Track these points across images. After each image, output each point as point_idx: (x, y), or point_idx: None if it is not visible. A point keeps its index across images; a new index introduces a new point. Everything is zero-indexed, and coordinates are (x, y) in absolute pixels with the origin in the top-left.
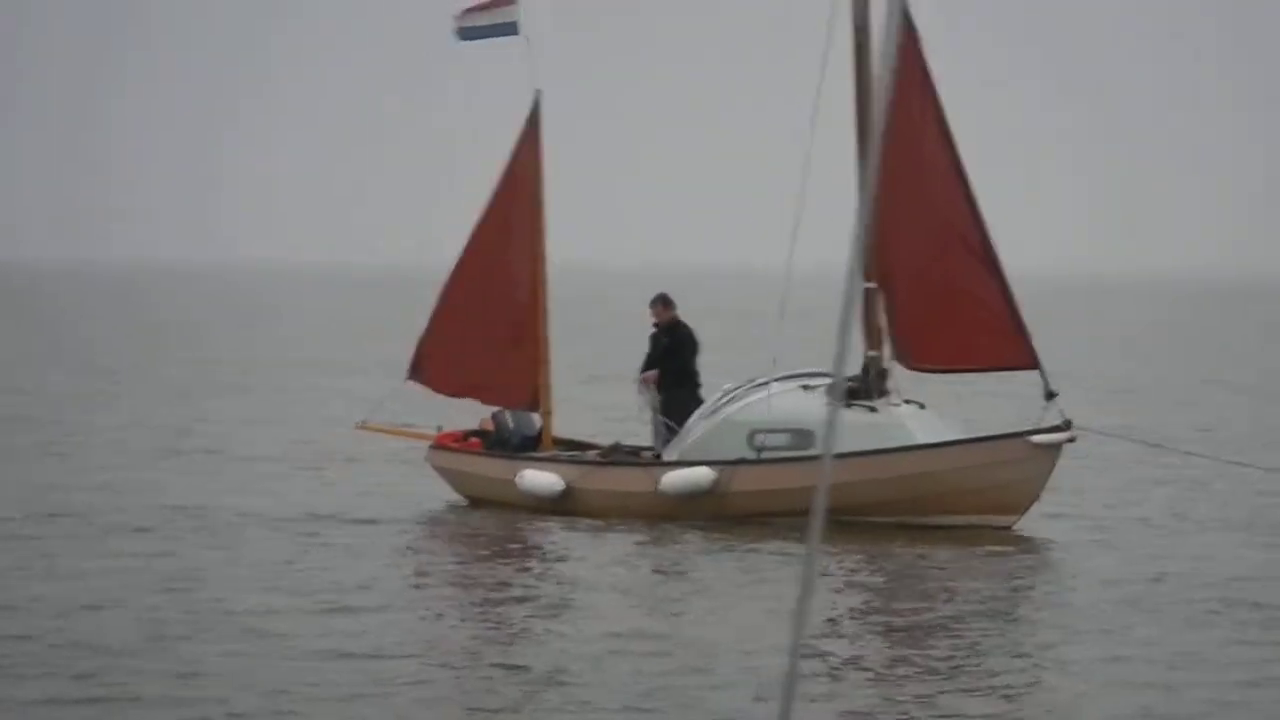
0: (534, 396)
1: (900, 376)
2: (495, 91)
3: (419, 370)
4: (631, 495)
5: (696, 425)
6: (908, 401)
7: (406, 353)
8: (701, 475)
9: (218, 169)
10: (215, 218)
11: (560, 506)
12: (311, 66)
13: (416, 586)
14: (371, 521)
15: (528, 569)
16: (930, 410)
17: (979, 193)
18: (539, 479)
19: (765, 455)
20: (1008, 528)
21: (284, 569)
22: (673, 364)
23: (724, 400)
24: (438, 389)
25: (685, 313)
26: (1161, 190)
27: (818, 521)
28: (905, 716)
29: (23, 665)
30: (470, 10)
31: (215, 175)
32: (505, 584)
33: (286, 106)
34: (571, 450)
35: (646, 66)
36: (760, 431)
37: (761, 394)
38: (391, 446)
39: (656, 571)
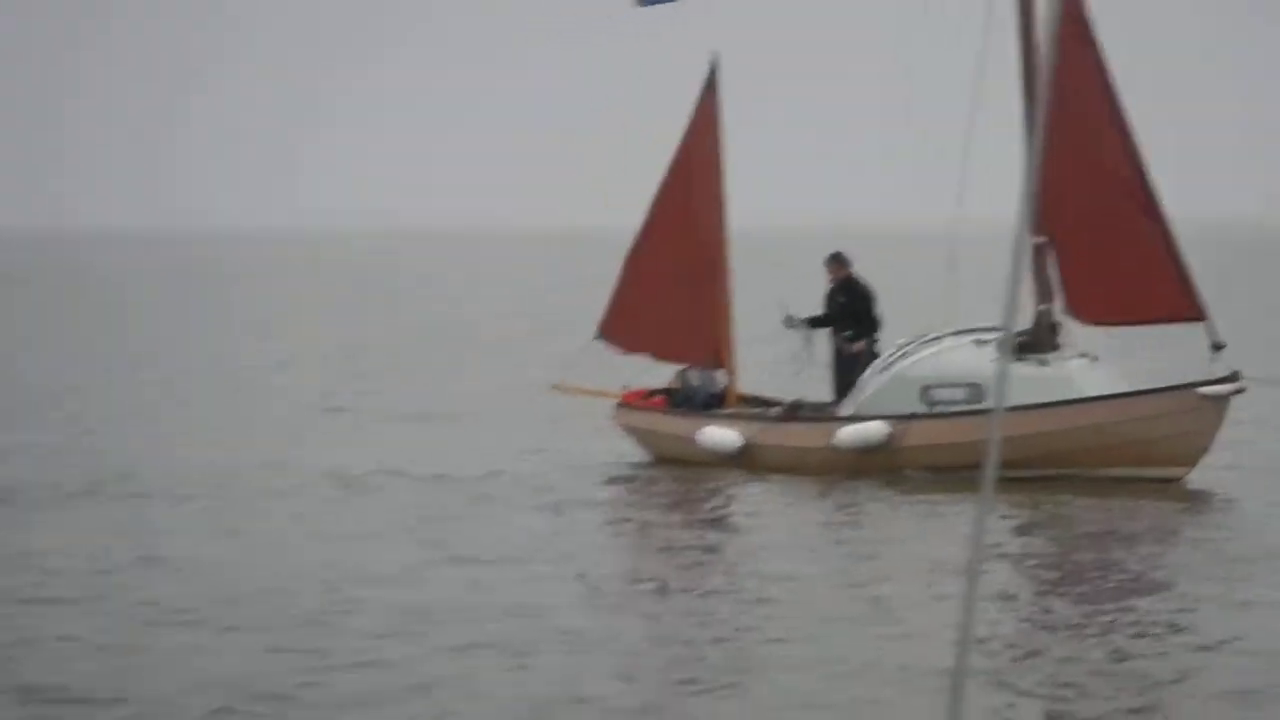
0: (717, 354)
1: (1075, 330)
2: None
3: (607, 330)
4: (808, 451)
5: (870, 380)
6: (1083, 355)
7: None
8: (875, 430)
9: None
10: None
11: (740, 463)
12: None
13: (599, 546)
14: (550, 481)
15: (711, 526)
16: (1103, 363)
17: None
18: (718, 436)
19: (937, 409)
20: (1178, 480)
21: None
22: (850, 320)
23: (897, 355)
24: (623, 348)
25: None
26: None
27: (990, 475)
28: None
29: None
30: None
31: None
32: (691, 545)
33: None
34: (757, 407)
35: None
36: (932, 386)
37: (933, 349)
38: (592, 406)
39: (834, 526)
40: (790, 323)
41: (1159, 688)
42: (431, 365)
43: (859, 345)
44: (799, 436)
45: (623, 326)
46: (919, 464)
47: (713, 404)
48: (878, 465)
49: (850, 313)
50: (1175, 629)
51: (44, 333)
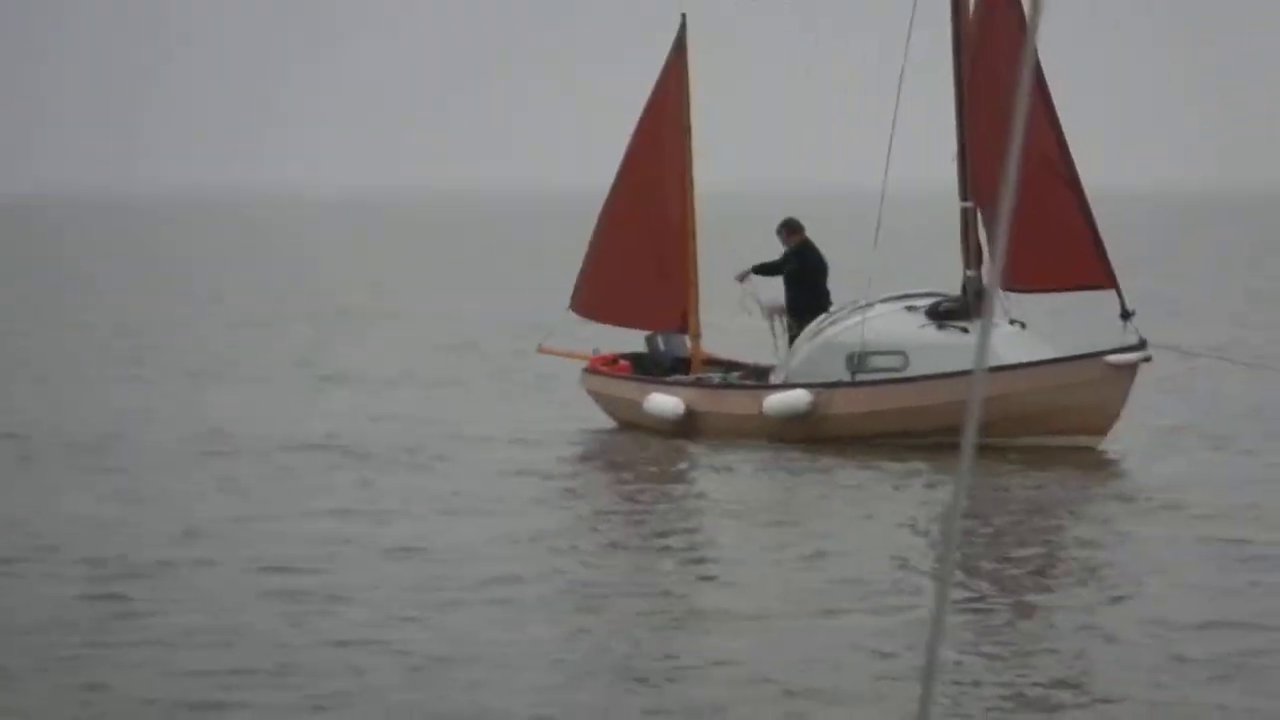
0: (683, 319)
1: (1007, 298)
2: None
3: (577, 300)
4: (742, 418)
5: (801, 347)
6: (1012, 322)
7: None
8: (799, 398)
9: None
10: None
11: (683, 429)
12: None
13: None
14: (519, 441)
15: (646, 492)
16: (1030, 331)
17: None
18: (662, 402)
19: (862, 377)
20: (1092, 449)
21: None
22: (801, 287)
23: (827, 322)
24: (593, 316)
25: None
26: None
27: (969, 442)
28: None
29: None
30: None
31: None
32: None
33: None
34: (723, 370)
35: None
36: (858, 353)
37: (862, 315)
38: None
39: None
40: (741, 276)
41: (1099, 665)
42: (417, 327)
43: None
44: (734, 403)
45: (591, 295)
46: (843, 432)
47: (679, 368)
48: (804, 433)
49: (801, 279)
50: (1114, 599)
51: None
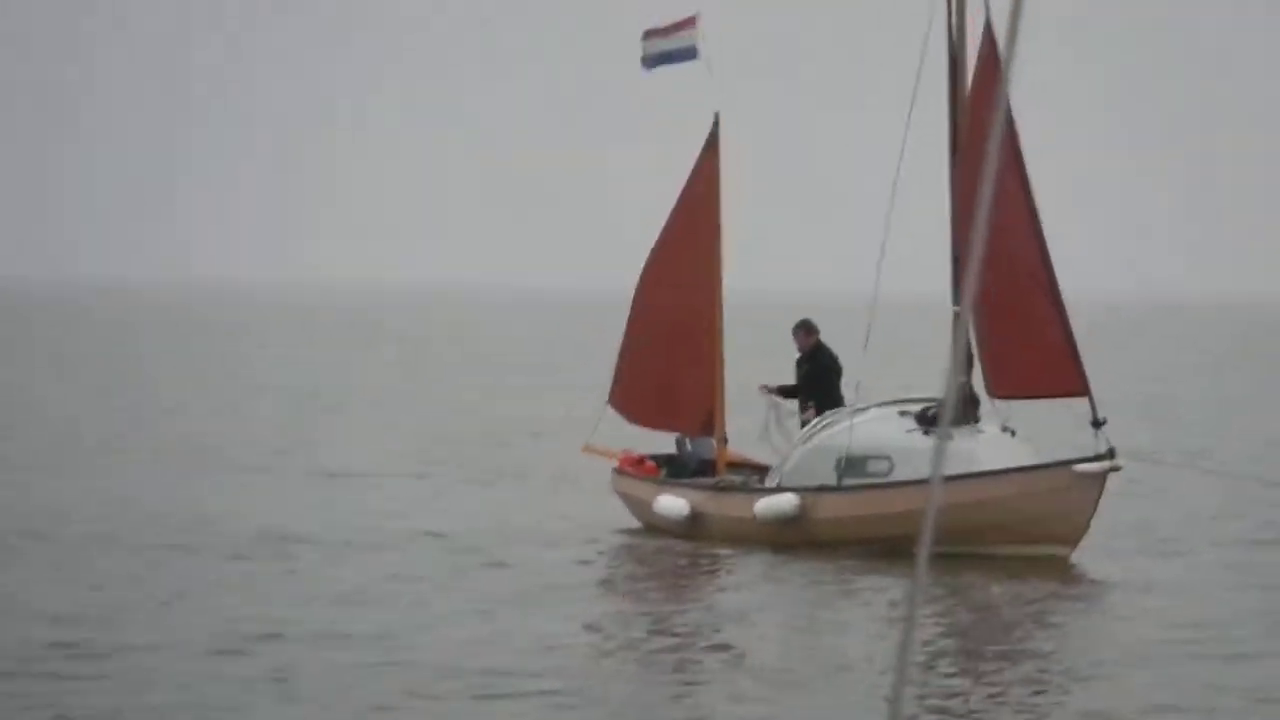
0: (709, 421)
1: (993, 404)
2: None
3: (614, 397)
4: (738, 521)
5: (794, 451)
6: (1004, 429)
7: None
8: (787, 502)
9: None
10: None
11: (689, 531)
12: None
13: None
14: (549, 544)
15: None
16: (1019, 440)
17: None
18: (669, 504)
19: (846, 482)
20: (1065, 558)
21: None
22: (815, 390)
23: (821, 426)
24: (626, 415)
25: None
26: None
27: (924, 550)
28: None
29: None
30: (651, 35)
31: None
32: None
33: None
34: (748, 473)
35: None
36: (847, 458)
37: (854, 420)
38: None
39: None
40: (768, 390)
41: None
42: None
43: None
44: (732, 506)
45: (625, 393)
46: (829, 537)
47: (705, 470)
48: (793, 537)
49: (814, 381)
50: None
51: None
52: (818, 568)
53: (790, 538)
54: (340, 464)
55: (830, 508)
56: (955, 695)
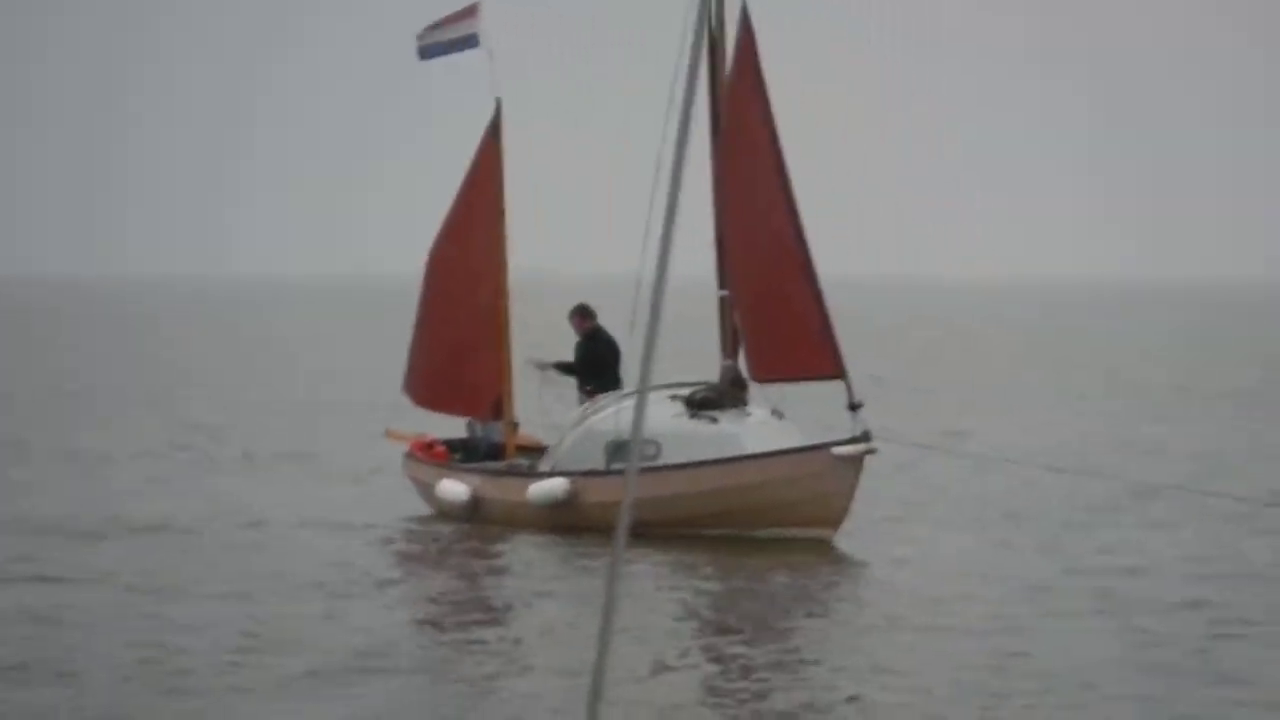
0: (497, 406)
1: (762, 388)
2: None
3: (407, 383)
4: (514, 505)
5: (567, 435)
6: (774, 412)
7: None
8: (557, 486)
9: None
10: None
11: (471, 515)
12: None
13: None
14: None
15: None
16: (786, 423)
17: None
18: (451, 488)
19: (614, 466)
20: (826, 540)
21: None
22: (592, 373)
23: (591, 410)
24: (417, 400)
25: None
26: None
27: (621, 536)
28: None
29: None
30: (431, 28)
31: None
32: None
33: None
34: (539, 457)
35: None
36: (615, 441)
37: (622, 404)
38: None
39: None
40: (540, 365)
41: None
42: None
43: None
44: (508, 490)
45: (416, 378)
46: (598, 521)
47: (495, 454)
48: (564, 521)
49: (591, 365)
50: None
51: None
52: (581, 551)
53: (562, 521)
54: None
55: (598, 492)
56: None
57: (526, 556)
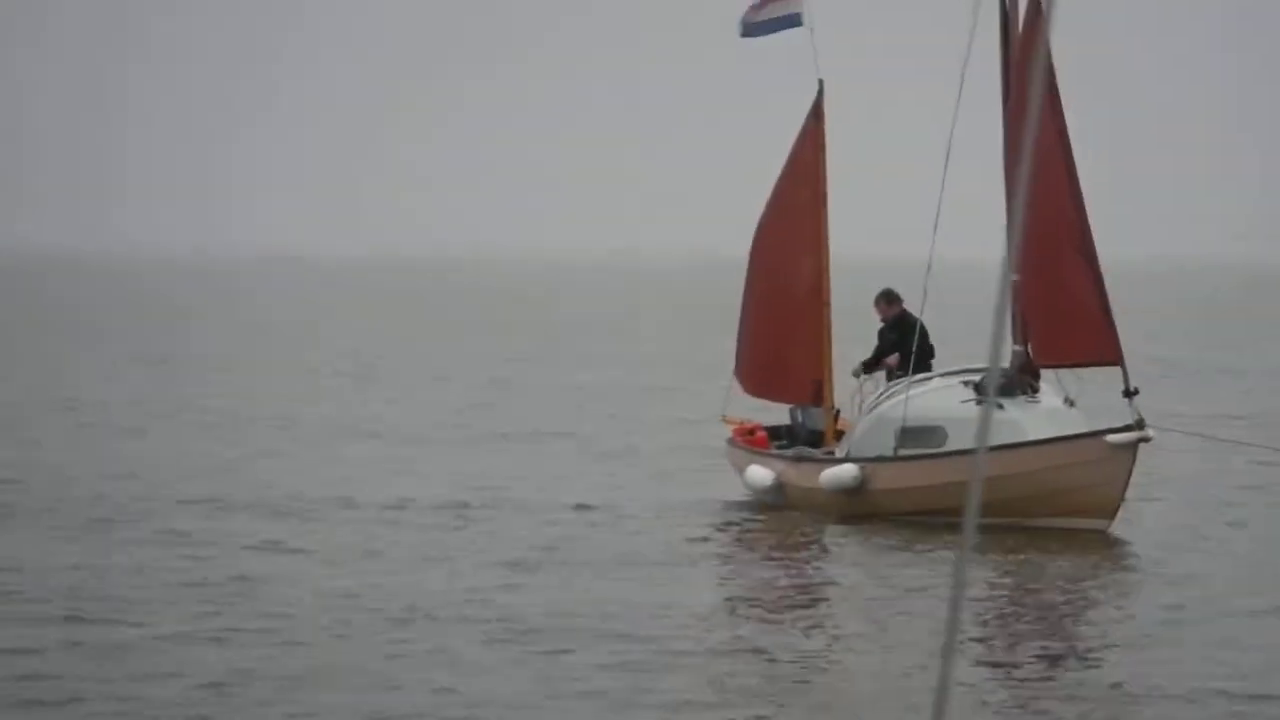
0: (817, 392)
1: (1057, 374)
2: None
3: (737, 369)
4: (809, 491)
5: (859, 422)
6: (1066, 400)
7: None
8: (847, 472)
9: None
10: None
11: (776, 500)
12: None
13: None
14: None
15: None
16: (1074, 410)
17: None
18: (757, 474)
19: (901, 453)
20: (1103, 531)
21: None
22: (903, 357)
23: (884, 396)
24: (744, 388)
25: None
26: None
27: (971, 521)
28: None
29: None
30: (755, 5)
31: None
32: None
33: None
34: None
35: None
36: (905, 428)
37: (915, 390)
38: None
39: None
40: (856, 373)
41: None
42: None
43: (893, 358)
44: (804, 476)
45: (742, 367)
46: (887, 508)
47: (815, 441)
48: (857, 507)
49: (904, 349)
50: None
51: None
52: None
53: (853, 507)
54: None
55: (886, 478)
56: (1000, 668)
57: (829, 542)
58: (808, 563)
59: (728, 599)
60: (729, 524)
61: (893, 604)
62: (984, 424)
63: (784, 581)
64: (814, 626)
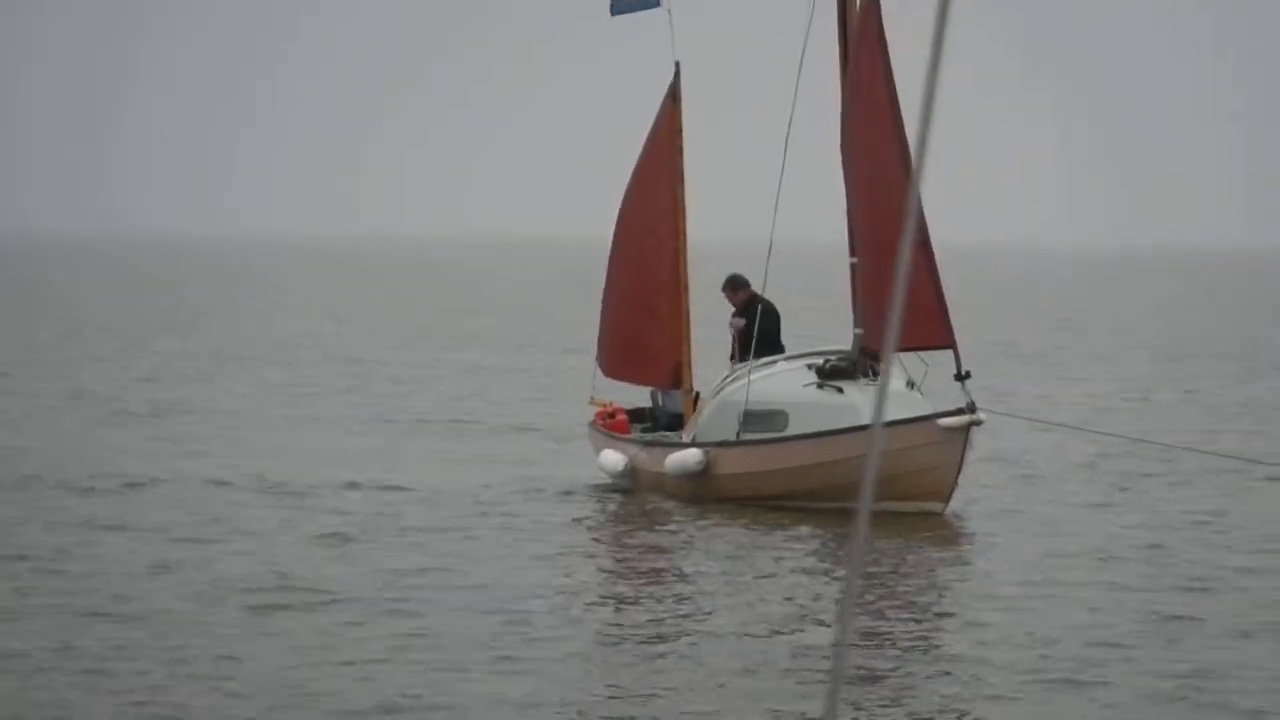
0: (676, 375)
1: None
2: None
3: (598, 352)
4: (657, 475)
5: (704, 405)
6: (908, 383)
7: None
8: (691, 457)
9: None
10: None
11: (629, 484)
12: None
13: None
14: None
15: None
16: (915, 394)
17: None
18: (610, 458)
19: (745, 437)
20: (939, 514)
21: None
22: (752, 342)
23: (729, 379)
24: (603, 370)
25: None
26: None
27: (866, 499)
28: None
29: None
30: None
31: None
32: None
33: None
34: None
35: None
36: (747, 412)
37: (759, 373)
38: None
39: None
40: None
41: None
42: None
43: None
44: (653, 460)
45: (602, 348)
46: (729, 493)
47: (674, 424)
48: (702, 492)
49: (754, 334)
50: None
51: None
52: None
53: (698, 492)
54: None
55: (730, 463)
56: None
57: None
58: (657, 547)
59: (583, 581)
60: (583, 507)
61: (751, 586)
62: (879, 404)
63: (637, 565)
64: (667, 612)
